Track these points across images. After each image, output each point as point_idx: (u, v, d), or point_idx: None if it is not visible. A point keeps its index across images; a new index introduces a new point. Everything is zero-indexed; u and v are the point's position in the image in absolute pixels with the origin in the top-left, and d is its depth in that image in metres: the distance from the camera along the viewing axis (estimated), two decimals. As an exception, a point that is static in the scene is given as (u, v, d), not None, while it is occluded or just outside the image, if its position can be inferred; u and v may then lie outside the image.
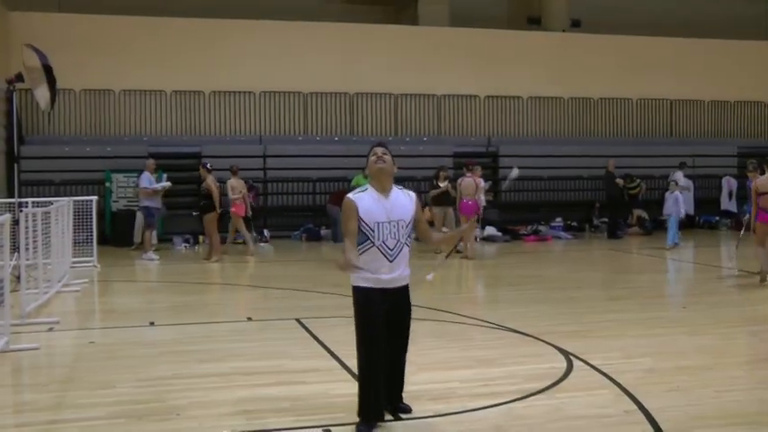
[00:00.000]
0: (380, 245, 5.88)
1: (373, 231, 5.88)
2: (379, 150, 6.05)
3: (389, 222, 5.91)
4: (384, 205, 5.94)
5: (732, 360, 8.35)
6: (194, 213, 18.66)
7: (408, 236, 6.03)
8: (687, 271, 16.69)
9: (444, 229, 19.26)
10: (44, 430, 5.95)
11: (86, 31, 22.52)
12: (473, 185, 17.63)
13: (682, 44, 27.96)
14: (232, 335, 9.56)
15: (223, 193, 18.28)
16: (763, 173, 13.60)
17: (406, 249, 6.00)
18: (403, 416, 6.20)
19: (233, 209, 18.46)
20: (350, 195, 6.02)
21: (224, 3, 25.15)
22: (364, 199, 5.94)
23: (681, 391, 6.92)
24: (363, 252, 5.91)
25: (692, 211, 24.14)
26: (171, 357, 8.24)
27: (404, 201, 6.04)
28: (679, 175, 23.10)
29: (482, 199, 17.95)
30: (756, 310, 11.57)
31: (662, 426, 5.93)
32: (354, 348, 8.26)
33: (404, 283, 6.05)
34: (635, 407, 6.41)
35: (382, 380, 5.98)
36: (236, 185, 18.66)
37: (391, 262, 5.92)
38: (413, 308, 6.19)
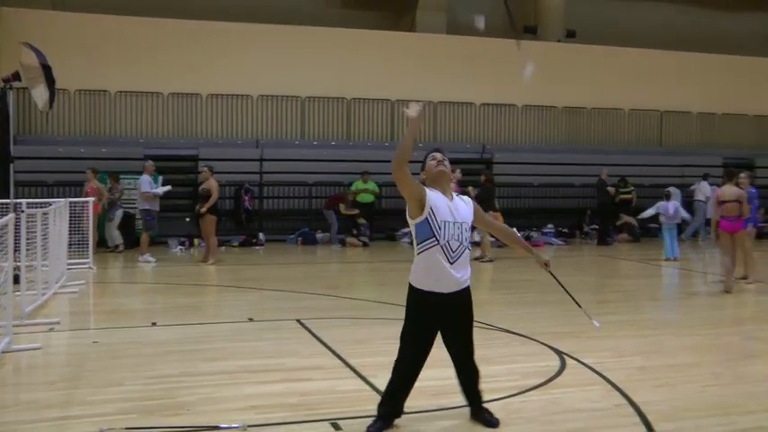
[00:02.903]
0: (444, 244, 5.74)
1: (440, 230, 5.74)
2: (439, 155, 5.98)
3: (455, 223, 5.79)
4: (449, 206, 5.82)
5: (715, 358, 8.64)
6: (187, 219, 18.80)
7: (468, 239, 5.91)
8: (674, 276, 16.86)
9: None
10: (57, 426, 6.01)
11: (81, 30, 22.60)
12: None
13: (672, 57, 28.43)
14: (235, 335, 9.66)
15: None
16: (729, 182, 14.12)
17: (467, 252, 5.90)
18: (405, 409, 6.19)
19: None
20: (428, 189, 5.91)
21: (223, 6, 25.27)
22: (435, 195, 5.83)
23: (668, 387, 7.22)
24: (425, 251, 5.79)
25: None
26: (176, 356, 8.33)
27: (464, 206, 5.94)
28: (704, 186, 23.82)
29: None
30: (737, 313, 11.99)
31: (649, 417, 6.21)
32: (356, 347, 8.51)
33: (464, 287, 5.92)
34: (625, 401, 6.68)
35: (413, 381, 5.96)
36: (99, 188, 19.05)
37: (452, 264, 5.77)
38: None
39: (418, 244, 5.83)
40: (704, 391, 7.18)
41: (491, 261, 18.07)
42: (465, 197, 6.11)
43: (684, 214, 20.38)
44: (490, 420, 5.99)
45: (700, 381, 7.50)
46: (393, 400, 5.97)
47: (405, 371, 5.93)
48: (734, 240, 13.89)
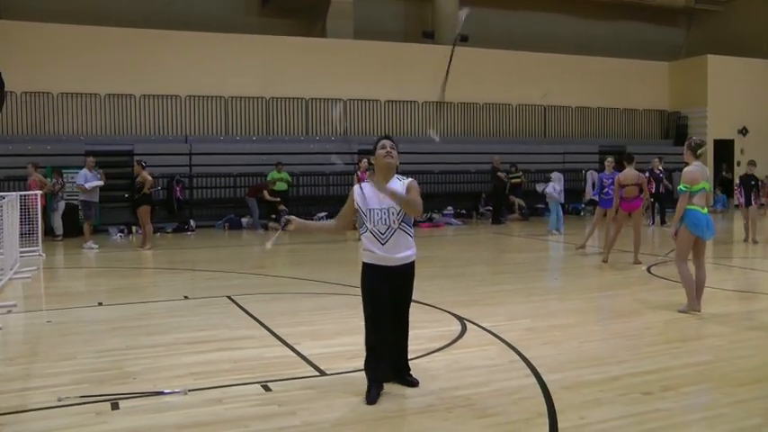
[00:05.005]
0: (372, 229, 5.76)
1: (367, 216, 5.78)
2: (388, 144, 5.86)
3: (381, 209, 5.75)
4: (378, 194, 5.74)
5: (592, 318, 9.00)
6: (126, 195, 18.45)
7: (400, 221, 5.78)
8: (558, 249, 17.19)
9: None
10: (20, 396, 5.95)
11: (27, 37, 22.08)
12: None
13: (554, 59, 29.07)
14: (173, 311, 9.62)
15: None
16: (623, 167, 14.04)
17: (399, 233, 5.78)
18: (327, 371, 6.45)
19: None
20: (356, 186, 5.93)
21: (154, 14, 24.93)
22: (365, 188, 5.84)
23: (553, 344, 7.46)
24: (363, 234, 5.86)
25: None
26: (121, 332, 8.27)
27: (399, 188, 5.77)
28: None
29: None
30: (611, 280, 12.25)
31: (539, 369, 6.45)
32: (281, 318, 8.59)
33: (402, 263, 5.82)
34: (517, 357, 6.90)
35: (386, 343, 5.84)
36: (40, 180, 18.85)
37: (383, 245, 5.75)
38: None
39: (360, 228, 5.95)
40: (583, 345, 7.43)
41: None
42: (405, 180, 5.93)
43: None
44: (411, 381, 6.03)
45: (580, 337, 7.75)
46: (375, 363, 5.86)
47: (372, 333, 5.83)
48: (631, 218, 13.91)
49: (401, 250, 5.81)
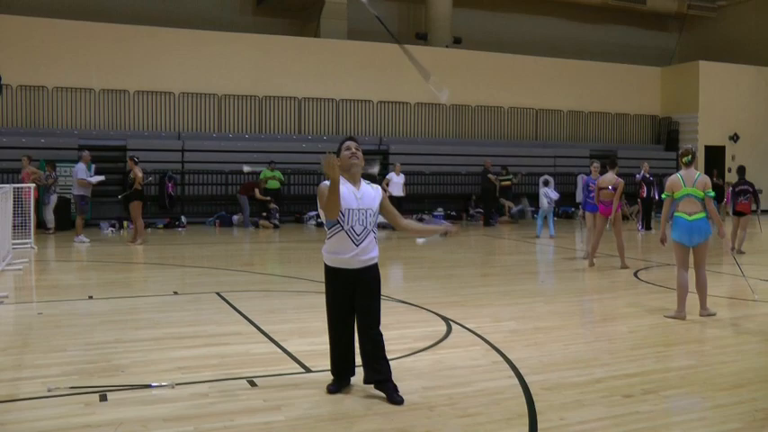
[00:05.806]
0: (349, 229, 5.67)
1: (344, 216, 5.67)
2: (353, 145, 5.80)
3: (359, 210, 5.71)
4: (355, 194, 5.73)
5: (577, 321, 9.08)
6: (120, 197, 18.46)
7: (375, 224, 5.79)
8: (546, 252, 17.16)
9: None
10: (11, 385, 6.00)
11: (23, 31, 22.12)
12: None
13: (546, 62, 29.19)
14: (162, 306, 9.65)
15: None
16: (605, 172, 14.08)
17: (372, 236, 5.77)
18: (313, 368, 6.45)
19: None
20: (326, 182, 5.68)
21: (149, 11, 25.03)
22: (341, 187, 5.67)
23: (537, 346, 7.49)
24: (333, 235, 5.75)
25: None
26: (111, 325, 8.29)
27: (372, 192, 5.82)
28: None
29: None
30: (598, 284, 12.29)
31: (521, 371, 6.49)
32: (268, 315, 8.66)
33: (366, 265, 5.76)
34: (501, 359, 6.93)
35: (348, 345, 5.90)
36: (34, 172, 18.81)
37: (357, 246, 5.68)
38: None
39: (328, 229, 5.82)
40: (567, 348, 7.47)
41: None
42: (374, 185, 5.97)
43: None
44: (395, 398, 5.66)
45: (564, 340, 7.79)
46: (337, 361, 5.94)
47: (335, 334, 5.90)
48: (606, 222, 13.93)
49: (369, 252, 5.78)
